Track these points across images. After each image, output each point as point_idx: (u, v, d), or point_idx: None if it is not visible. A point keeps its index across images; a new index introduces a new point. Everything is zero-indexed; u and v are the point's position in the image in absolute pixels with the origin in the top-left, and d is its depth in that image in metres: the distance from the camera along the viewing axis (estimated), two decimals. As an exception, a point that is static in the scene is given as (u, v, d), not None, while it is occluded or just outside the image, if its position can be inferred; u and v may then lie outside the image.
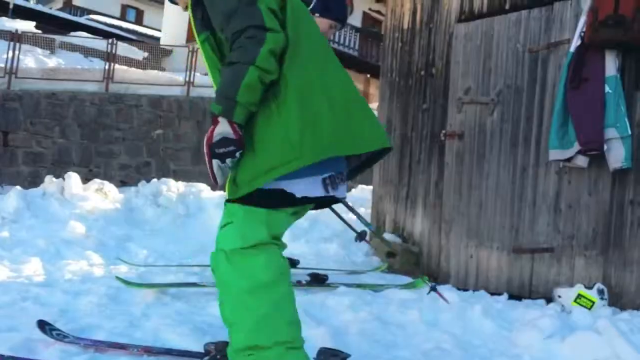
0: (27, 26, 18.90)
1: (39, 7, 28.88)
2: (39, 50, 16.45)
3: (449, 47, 5.93)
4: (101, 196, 6.95)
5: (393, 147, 2.20)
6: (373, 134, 2.35)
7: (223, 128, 2.07)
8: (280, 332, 2.13)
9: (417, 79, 6.28)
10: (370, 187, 7.44)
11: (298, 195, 2.19)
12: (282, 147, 2.09)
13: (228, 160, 2.10)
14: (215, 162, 2.11)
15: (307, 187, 2.21)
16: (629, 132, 4.37)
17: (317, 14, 4.41)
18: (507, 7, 5.43)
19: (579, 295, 4.32)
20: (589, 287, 4.38)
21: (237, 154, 2.10)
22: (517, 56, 5.25)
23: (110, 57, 14.62)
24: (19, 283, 4.02)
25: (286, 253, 5.61)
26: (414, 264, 6.00)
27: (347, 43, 23.69)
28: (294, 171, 2.10)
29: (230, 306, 2.19)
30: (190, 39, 25.93)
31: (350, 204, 7.83)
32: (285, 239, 6.04)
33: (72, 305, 3.56)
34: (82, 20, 29.75)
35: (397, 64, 6.56)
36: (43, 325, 2.90)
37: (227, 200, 2.23)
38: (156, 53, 23.07)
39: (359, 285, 4.51)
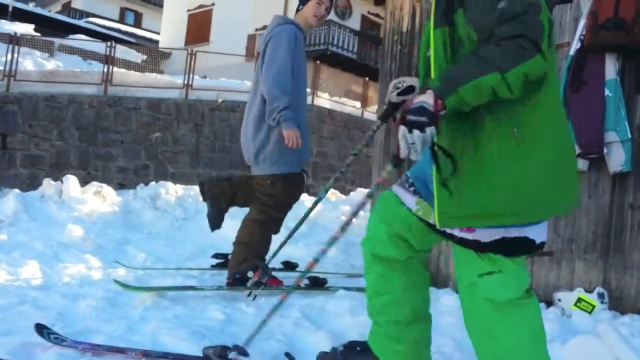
0: (26, 29, 18.91)
1: (38, 10, 28.92)
2: (37, 53, 16.43)
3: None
4: (99, 199, 6.93)
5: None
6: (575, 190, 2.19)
7: (426, 98, 1.84)
8: None
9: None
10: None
11: (538, 241, 2.12)
12: (536, 193, 1.98)
13: (415, 132, 1.82)
14: (402, 128, 1.85)
15: (542, 231, 2.15)
16: (629, 136, 4.36)
17: (301, 7, 4.48)
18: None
19: (579, 299, 4.31)
20: (589, 291, 4.37)
21: (427, 130, 1.82)
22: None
23: (108, 60, 14.60)
24: (16, 286, 4.00)
25: (284, 256, 5.59)
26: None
27: (345, 46, 23.69)
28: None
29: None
30: (188, 41, 25.98)
31: (348, 207, 7.83)
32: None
33: (70, 308, 3.55)
34: (80, 23, 29.78)
35: (397, 67, 6.54)
36: (41, 328, 2.89)
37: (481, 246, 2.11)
38: (155, 56, 23.11)
39: (358, 289, 4.49)
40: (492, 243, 2.09)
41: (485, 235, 2.09)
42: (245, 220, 4.41)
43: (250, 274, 4.20)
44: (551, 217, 2.13)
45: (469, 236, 2.11)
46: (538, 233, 2.12)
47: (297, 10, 4.54)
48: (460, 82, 1.85)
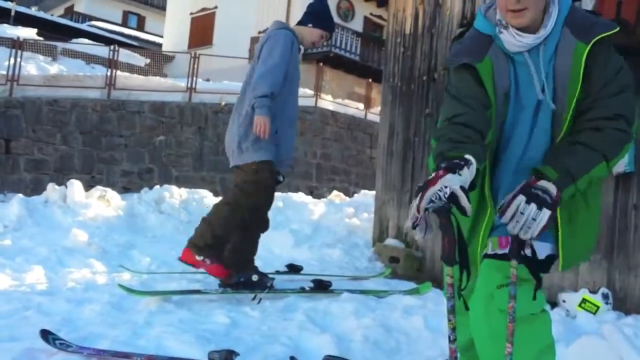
0: (29, 33, 18.94)
1: (41, 14, 28.99)
2: (40, 57, 16.46)
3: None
4: (104, 203, 6.94)
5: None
6: None
7: (550, 187, 1.95)
8: None
9: (419, 83, 6.28)
10: (373, 192, 7.44)
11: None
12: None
13: (531, 207, 1.92)
14: (521, 197, 1.95)
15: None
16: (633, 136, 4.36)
17: (310, 25, 4.58)
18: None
19: (584, 300, 4.30)
20: (594, 292, 4.37)
21: (543, 212, 1.92)
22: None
23: (112, 63, 14.62)
24: (21, 292, 4.01)
25: (289, 259, 5.61)
26: (417, 269, 5.99)
27: (348, 48, 23.70)
28: None
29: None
30: (191, 45, 26.01)
31: (352, 209, 7.84)
32: (288, 244, 6.00)
33: (75, 313, 3.56)
34: (83, 26, 29.82)
35: (400, 69, 6.55)
36: (46, 334, 2.90)
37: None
38: (158, 59, 23.14)
39: (362, 292, 4.50)
40: (544, 259, 2.17)
41: (541, 251, 2.17)
42: (218, 202, 4.49)
43: (255, 277, 4.21)
44: None
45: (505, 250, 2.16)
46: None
47: (301, 23, 4.63)
48: (576, 176, 1.99)
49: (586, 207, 2.16)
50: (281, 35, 4.33)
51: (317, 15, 4.61)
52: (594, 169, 1.99)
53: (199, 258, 4.21)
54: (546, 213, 1.90)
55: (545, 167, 2.02)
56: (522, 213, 1.91)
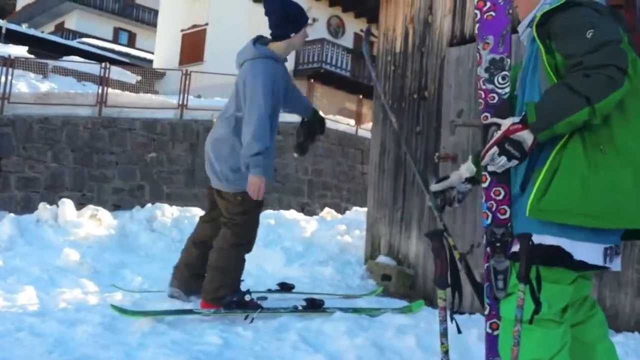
0: (20, 51, 18.97)
1: (31, 32, 29.00)
2: (31, 74, 16.48)
3: (441, 70, 5.98)
4: (95, 222, 6.93)
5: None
6: None
7: (527, 137, 2.17)
8: None
9: (410, 102, 6.32)
10: (365, 209, 7.46)
11: (576, 257, 2.18)
12: (602, 200, 2.12)
13: (502, 158, 2.22)
14: (495, 149, 2.23)
15: (589, 252, 2.20)
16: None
17: (292, 34, 4.41)
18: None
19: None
20: (585, 309, 4.38)
21: (513, 162, 2.22)
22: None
23: (103, 81, 14.63)
24: (13, 312, 4.00)
25: (281, 277, 5.60)
26: (409, 286, 6.00)
27: (339, 64, 23.82)
28: (591, 229, 2.16)
29: None
30: (183, 61, 26.07)
31: (344, 227, 7.84)
32: (280, 262, 6.00)
33: (67, 335, 3.55)
34: (74, 43, 29.86)
35: (390, 87, 6.60)
36: None
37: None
38: (149, 76, 23.17)
39: (355, 310, 4.50)
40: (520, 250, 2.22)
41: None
42: (220, 244, 4.38)
43: (247, 297, 4.21)
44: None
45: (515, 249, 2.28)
46: (580, 252, 2.19)
47: (283, 37, 4.41)
48: (555, 119, 2.11)
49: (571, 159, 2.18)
50: (259, 71, 4.20)
51: (294, 20, 4.41)
52: (575, 114, 2.08)
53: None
54: (514, 163, 2.22)
55: (531, 106, 2.18)
56: (493, 160, 2.24)
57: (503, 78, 2.61)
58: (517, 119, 2.21)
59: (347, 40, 25.37)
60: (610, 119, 2.15)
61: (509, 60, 2.65)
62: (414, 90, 6.29)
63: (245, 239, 4.39)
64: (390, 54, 6.65)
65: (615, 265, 2.27)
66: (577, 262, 2.18)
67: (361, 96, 21.08)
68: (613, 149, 2.14)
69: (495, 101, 2.59)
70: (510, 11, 2.67)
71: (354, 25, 25.70)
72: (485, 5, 2.65)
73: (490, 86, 2.63)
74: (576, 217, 2.13)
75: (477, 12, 2.69)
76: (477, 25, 2.71)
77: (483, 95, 2.64)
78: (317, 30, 23.38)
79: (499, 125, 2.33)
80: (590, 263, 2.19)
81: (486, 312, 2.54)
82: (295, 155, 4.84)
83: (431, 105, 6.06)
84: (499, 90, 2.60)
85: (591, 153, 2.14)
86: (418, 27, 6.33)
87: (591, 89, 2.05)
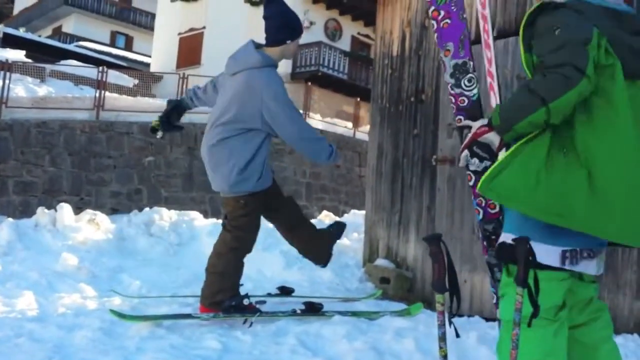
0: (18, 55, 18.96)
1: (29, 36, 28.99)
2: (29, 79, 16.48)
3: (438, 73, 5.99)
4: (93, 227, 6.92)
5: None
6: None
7: (494, 139, 2.31)
8: None
9: (407, 105, 6.33)
10: (363, 212, 7.46)
11: (544, 261, 2.21)
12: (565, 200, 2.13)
13: (475, 160, 2.41)
14: (466, 152, 2.39)
15: (544, 254, 2.22)
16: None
17: (288, 41, 4.37)
18: (494, 34, 5.48)
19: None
20: (583, 311, 4.38)
21: (486, 163, 2.42)
22: (505, 82, 5.29)
23: (100, 84, 14.64)
24: (12, 318, 4.00)
25: (280, 280, 5.59)
26: (408, 289, 6.00)
27: (336, 67, 23.84)
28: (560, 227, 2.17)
29: None
30: (180, 64, 26.07)
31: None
32: (279, 266, 5.99)
33: (66, 340, 3.55)
34: (71, 47, 29.85)
35: (387, 90, 6.61)
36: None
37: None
38: (146, 80, 23.16)
39: (353, 314, 4.51)
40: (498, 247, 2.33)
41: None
42: (219, 248, 4.38)
43: (246, 301, 4.21)
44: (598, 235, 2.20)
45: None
46: (539, 252, 2.19)
47: (279, 42, 4.36)
48: (514, 121, 2.18)
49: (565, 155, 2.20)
50: (277, 87, 4.22)
51: (291, 27, 4.40)
52: (532, 114, 2.12)
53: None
54: (487, 163, 2.41)
55: (496, 107, 2.30)
56: (468, 162, 2.43)
57: (469, 80, 2.74)
58: (485, 121, 2.30)
59: (345, 43, 25.40)
60: (575, 123, 2.17)
61: (471, 62, 2.77)
62: (411, 94, 6.30)
63: (245, 242, 4.38)
64: (388, 57, 6.66)
65: (588, 268, 2.29)
66: (538, 263, 2.19)
67: (358, 99, 21.11)
68: (575, 153, 2.15)
69: (465, 104, 2.71)
70: (465, 16, 2.80)
71: (351, 29, 25.74)
72: (439, 14, 2.81)
73: (458, 90, 2.76)
74: (521, 205, 2.18)
75: (434, 22, 2.83)
76: (436, 35, 2.84)
77: (453, 100, 2.77)
78: (314, 33, 23.41)
79: (470, 128, 2.41)
80: (544, 264, 2.22)
81: (494, 301, 2.71)
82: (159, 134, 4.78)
83: (428, 109, 6.07)
84: (467, 93, 2.74)
85: (553, 154, 2.17)
86: (415, 31, 6.34)
87: (546, 89, 2.09)
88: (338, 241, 7.37)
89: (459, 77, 2.75)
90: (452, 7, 2.78)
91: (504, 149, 2.27)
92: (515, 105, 2.19)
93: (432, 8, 2.86)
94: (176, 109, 4.80)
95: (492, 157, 2.32)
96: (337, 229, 5.01)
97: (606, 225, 2.13)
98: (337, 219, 9.54)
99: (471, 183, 2.62)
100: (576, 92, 2.07)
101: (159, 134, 4.75)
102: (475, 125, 2.33)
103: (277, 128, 4.18)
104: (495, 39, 5.43)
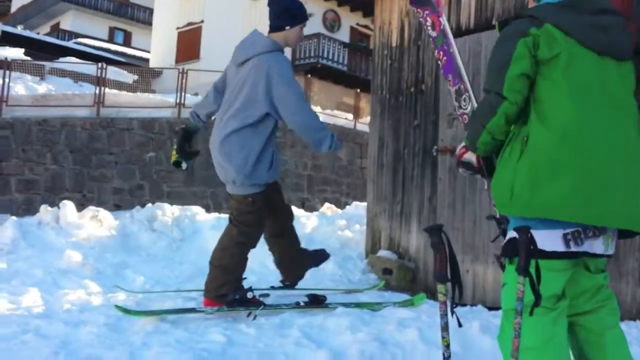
0: (17, 53, 18.95)
1: (27, 33, 28.95)
2: (28, 77, 16.47)
3: (437, 63, 5.98)
4: (96, 223, 6.94)
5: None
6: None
7: (470, 157, 2.61)
8: None
9: (407, 95, 6.34)
10: (364, 204, 7.48)
11: (539, 246, 2.23)
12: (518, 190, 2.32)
13: (467, 173, 2.70)
14: (460, 170, 2.71)
15: (546, 240, 2.26)
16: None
17: (287, 27, 4.38)
18: (493, 22, 5.49)
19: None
20: (585, 299, 4.40)
21: (476, 175, 2.68)
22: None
23: (100, 81, 14.64)
24: (18, 315, 4.02)
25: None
26: (411, 280, 6.02)
27: (335, 58, 23.80)
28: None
29: None
30: (179, 59, 26.05)
31: (344, 222, 7.85)
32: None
33: (72, 336, 3.56)
34: (70, 44, 29.83)
35: (387, 81, 6.61)
36: None
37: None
38: (146, 75, 23.13)
39: (357, 305, 4.52)
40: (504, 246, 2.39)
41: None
42: (225, 242, 4.39)
43: (249, 294, 4.23)
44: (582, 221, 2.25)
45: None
46: (540, 239, 2.22)
47: (278, 28, 4.39)
48: (474, 141, 2.48)
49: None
50: (286, 70, 4.26)
51: (291, 14, 4.41)
52: (480, 138, 2.44)
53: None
54: (477, 175, 2.68)
55: (467, 136, 2.58)
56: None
57: (464, 100, 3.32)
58: (462, 143, 2.59)
59: (343, 35, 25.35)
60: (530, 114, 2.35)
61: (462, 86, 3.39)
62: (411, 84, 6.31)
63: (251, 237, 4.40)
64: (387, 47, 6.66)
65: (594, 247, 2.31)
66: (540, 251, 2.21)
67: (359, 90, 21.08)
68: (531, 141, 2.30)
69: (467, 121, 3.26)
70: (452, 51, 3.48)
71: (349, 19, 25.69)
72: (441, 56, 3.57)
73: (461, 110, 3.38)
74: (511, 210, 2.39)
75: (439, 62, 3.59)
76: (442, 71, 3.62)
77: (460, 119, 3.47)
78: (313, 24, 23.35)
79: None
80: (548, 250, 2.24)
81: None
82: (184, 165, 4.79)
83: (428, 99, 6.08)
84: (464, 110, 3.35)
85: (516, 144, 2.36)
86: (414, 21, 6.34)
87: (481, 115, 2.43)
88: (340, 233, 7.43)
89: (459, 99, 3.33)
90: (445, 47, 3.52)
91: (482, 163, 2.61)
92: (471, 129, 2.52)
93: (436, 51, 3.62)
94: (185, 136, 4.75)
95: (476, 171, 2.62)
96: (320, 256, 4.96)
97: (578, 209, 2.21)
98: (340, 211, 9.56)
99: (486, 187, 2.89)
100: (501, 114, 2.33)
101: (184, 166, 4.76)
102: (458, 147, 2.63)
103: (283, 111, 4.20)
104: (494, 27, 5.47)
